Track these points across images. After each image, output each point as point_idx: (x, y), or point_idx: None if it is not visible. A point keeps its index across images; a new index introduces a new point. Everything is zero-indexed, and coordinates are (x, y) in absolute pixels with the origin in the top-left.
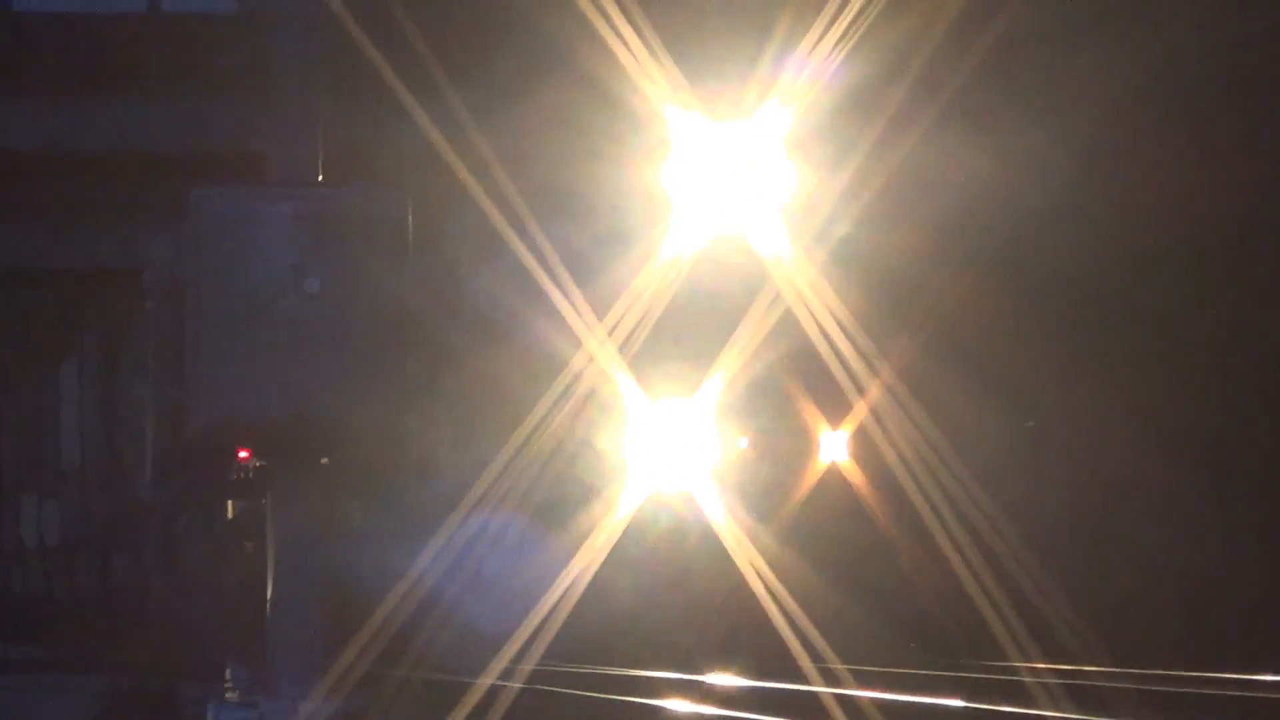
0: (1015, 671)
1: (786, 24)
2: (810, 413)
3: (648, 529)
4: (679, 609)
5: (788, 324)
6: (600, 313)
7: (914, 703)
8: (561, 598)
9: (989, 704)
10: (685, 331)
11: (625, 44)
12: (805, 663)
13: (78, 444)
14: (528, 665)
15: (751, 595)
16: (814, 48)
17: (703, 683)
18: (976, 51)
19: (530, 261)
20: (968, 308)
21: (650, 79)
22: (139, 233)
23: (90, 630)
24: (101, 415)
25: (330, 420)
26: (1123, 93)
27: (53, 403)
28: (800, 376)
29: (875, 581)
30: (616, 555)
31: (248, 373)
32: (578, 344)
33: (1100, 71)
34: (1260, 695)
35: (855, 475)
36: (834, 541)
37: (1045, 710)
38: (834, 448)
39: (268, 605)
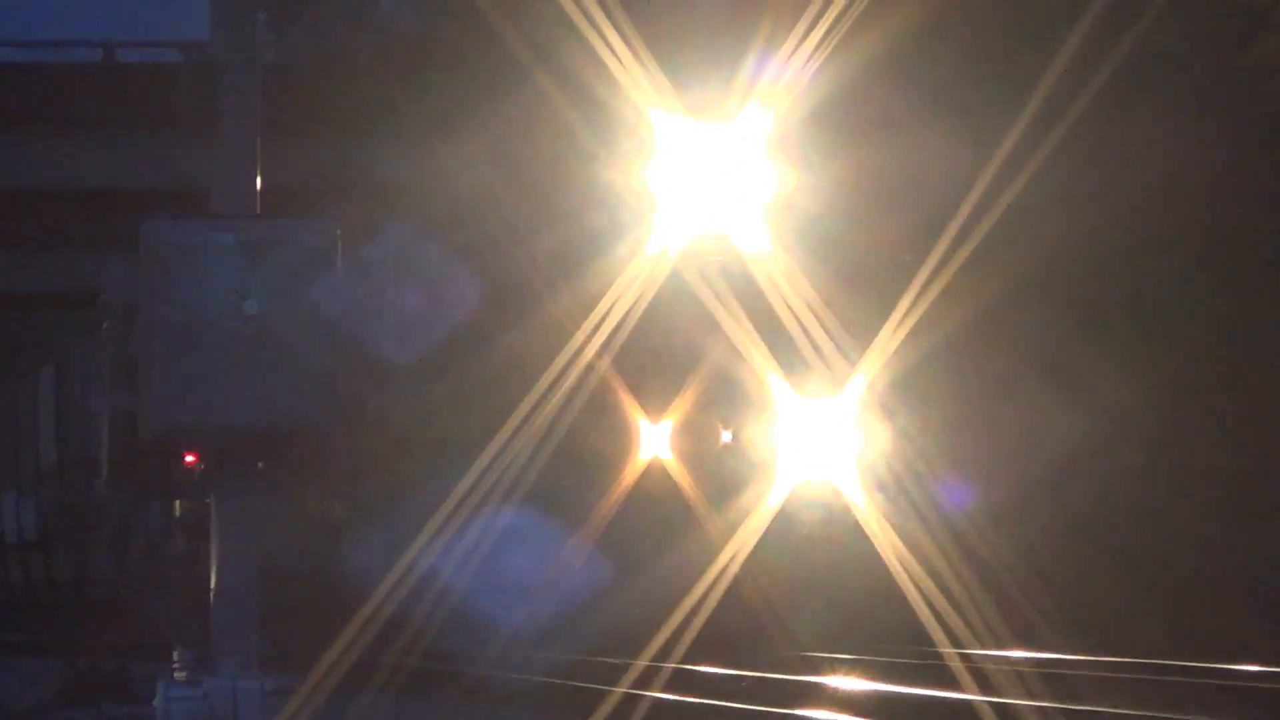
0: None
1: (766, 31)
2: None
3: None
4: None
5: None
6: (588, 306)
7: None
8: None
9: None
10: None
11: (612, 50)
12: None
13: (54, 445)
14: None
15: None
16: (792, 54)
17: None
18: (955, 52)
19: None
20: (950, 303)
21: (636, 83)
22: (97, 260)
23: (63, 617)
24: (77, 419)
25: (267, 428)
26: (1102, 90)
27: (31, 407)
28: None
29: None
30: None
31: (193, 385)
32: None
33: (1079, 69)
34: (1242, 684)
35: None
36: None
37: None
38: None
39: (211, 594)
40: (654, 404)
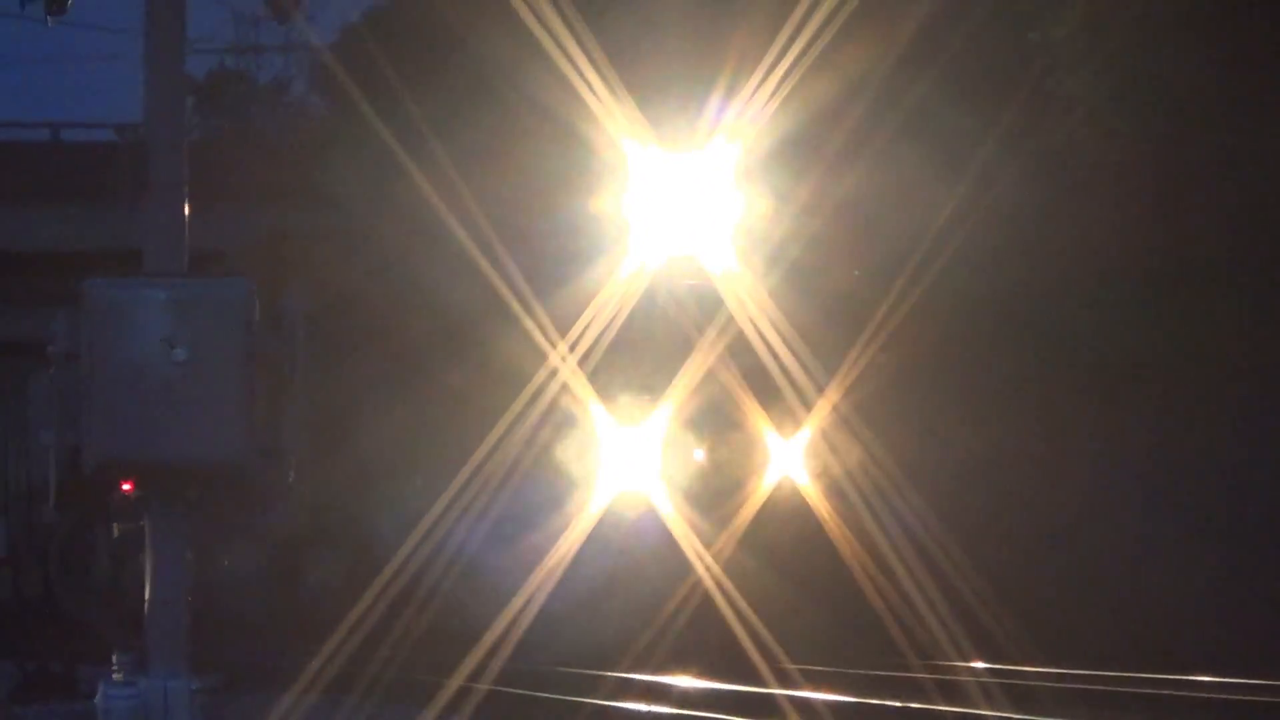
0: (956, 672)
1: (734, 66)
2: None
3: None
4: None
5: (741, 343)
6: (564, 326)
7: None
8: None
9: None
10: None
11: (590, 86)
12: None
13: (25, 470)
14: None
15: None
16: (757, 87)
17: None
18: (921, 83)
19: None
20: (914, 327)
21: (612, 117)
22: (47, 313)
23: (17, 625)
24: (39, 452)
25: (192, 460)
26: (1066, 121)
27: (4, 436)
28: (754, 392)
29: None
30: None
31: (128, 422)
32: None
33: (1043, 106)
34: (1198, 695)
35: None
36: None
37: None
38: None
39: (146, 604)
40: (629, 421)
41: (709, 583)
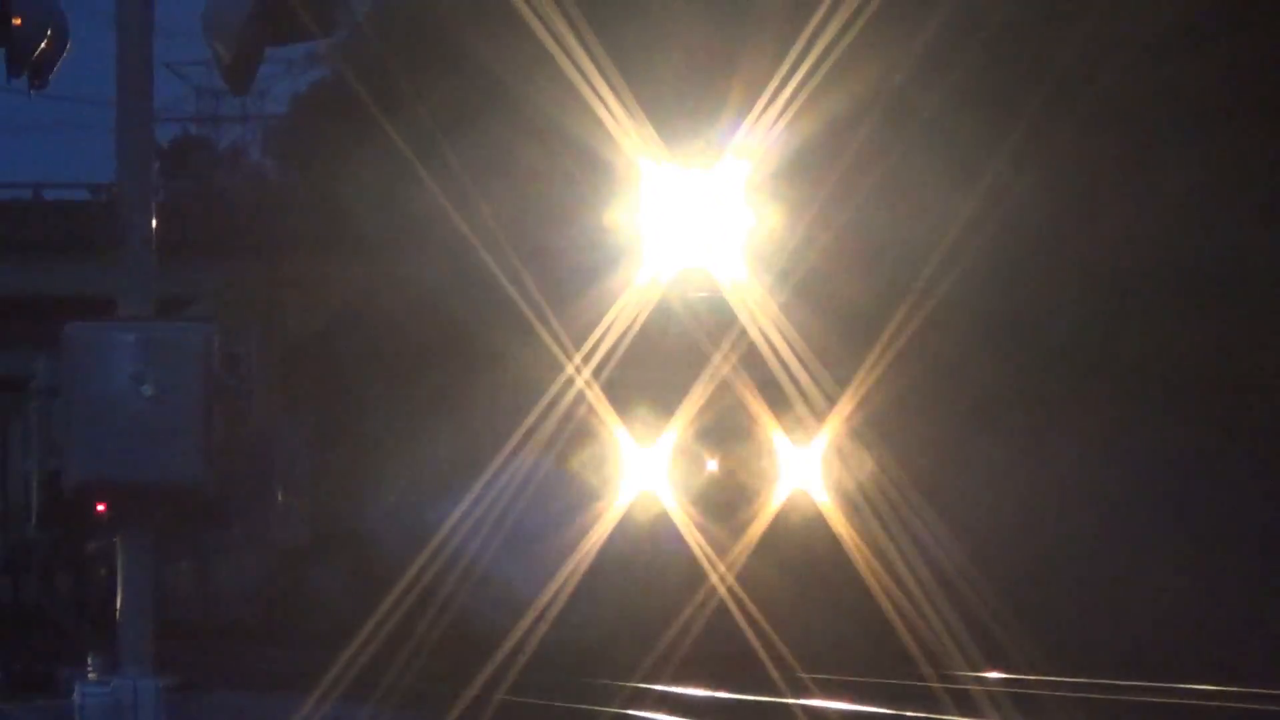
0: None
1: (745, 84)
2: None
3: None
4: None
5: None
6: (579, 338)
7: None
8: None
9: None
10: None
11: (604, 102)
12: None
13: (19, 489)
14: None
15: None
16: (769, 104)
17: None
18: (932, 97)
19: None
20: (928, 339)
21: (625, 133)
22: (29, 353)
23: (21, 630)
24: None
25: (157, 484)
26: (1061, 141)
27: (1, 457)
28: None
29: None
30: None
31: (103, 450)
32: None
33: (1045, 123)
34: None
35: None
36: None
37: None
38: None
39: (117, 611)
40: (644, 431)
41: (723, 591)
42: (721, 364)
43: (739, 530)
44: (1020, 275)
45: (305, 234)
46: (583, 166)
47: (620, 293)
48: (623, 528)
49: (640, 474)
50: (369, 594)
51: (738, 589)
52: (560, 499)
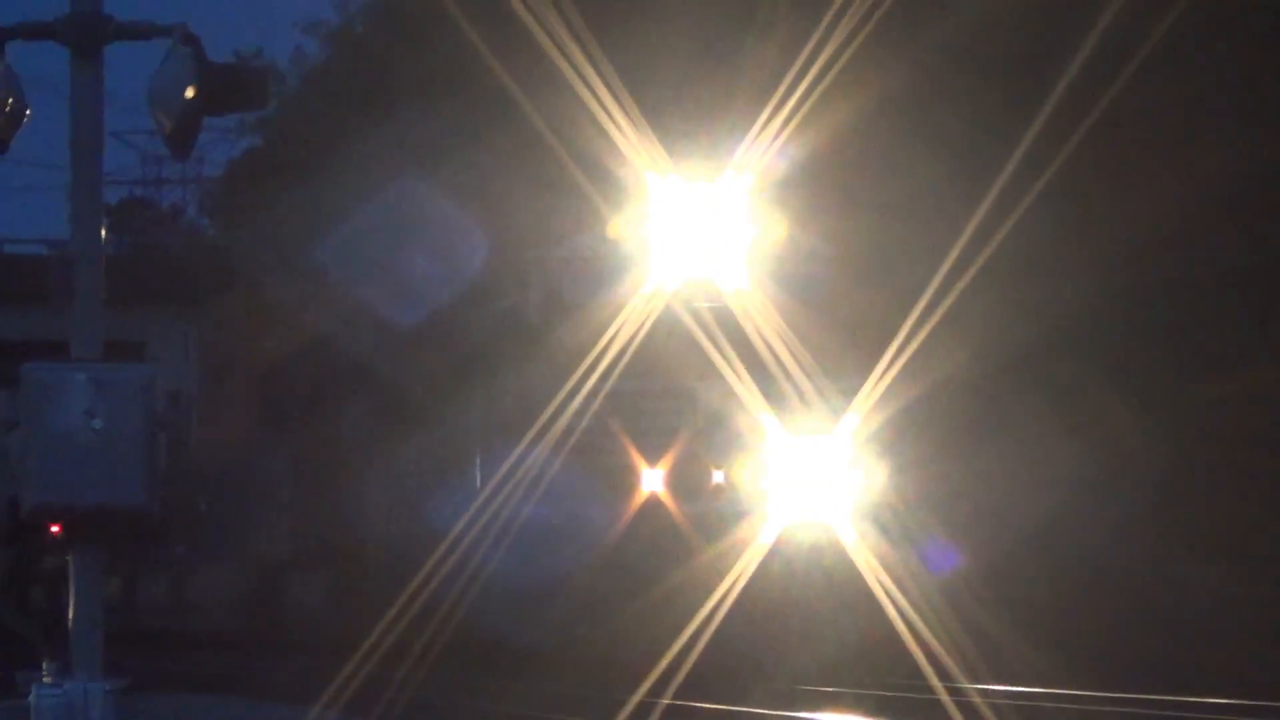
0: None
1: (752, 91)
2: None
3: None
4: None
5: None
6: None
7: None
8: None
9: None
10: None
11: (611, 117)
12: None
13: None
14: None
15: None
16: (764, 126)
17: None
18: (940, 104)
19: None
20: (937, 350)
21: (628, 141)
22: None
23: None
24: None
25: (105, 507)
26: (1055, 153)
27: None
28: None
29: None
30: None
31: (58, 477)
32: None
33: (1065, 126)
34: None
35: None
36: None
37: None
38: None
39: (70, 621)
40: (649, 445)
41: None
42: (728, 373)
43: (744, 542)
44: (1034, 284)
45: (248, 278)
46: (587, 177)
47: (624, 303)
48: (628, 538)
49: (644, 484)
50: (348, 604)
51: (745, 601)
52: (556, 508)
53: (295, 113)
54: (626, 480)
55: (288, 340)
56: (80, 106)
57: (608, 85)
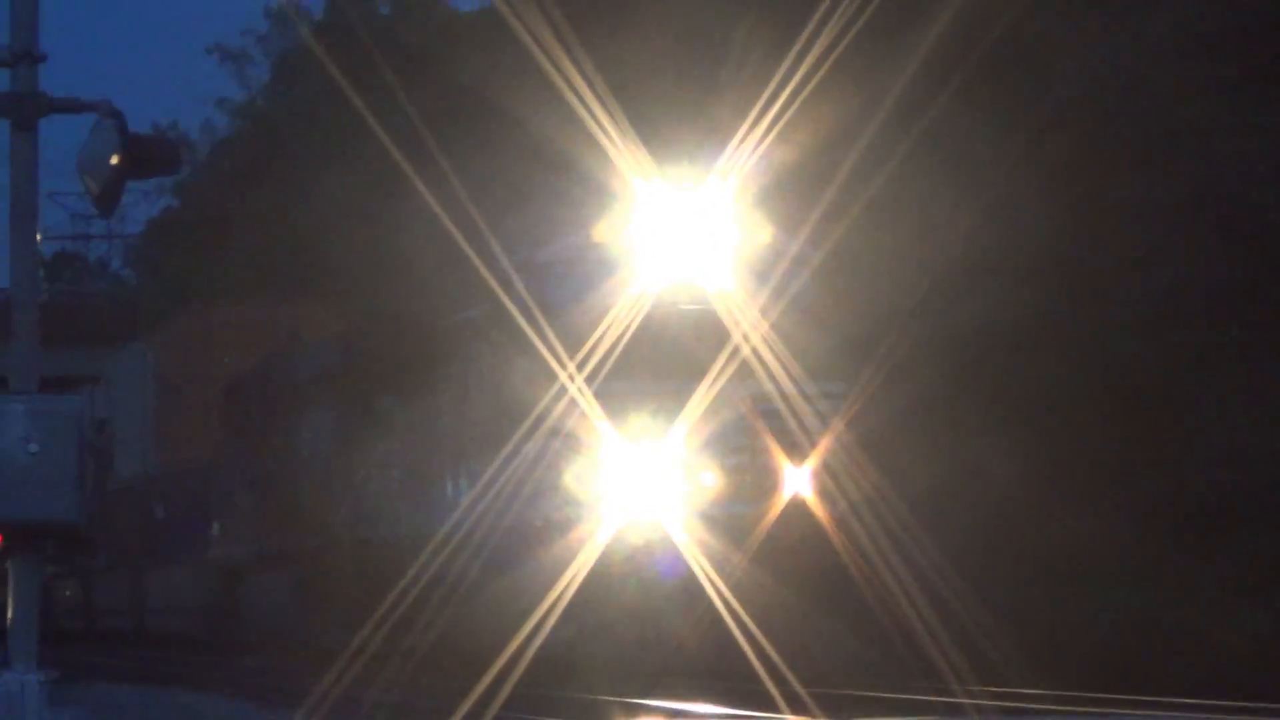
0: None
1: (728, 117)
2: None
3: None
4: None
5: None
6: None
7: None
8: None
9: None
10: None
11: (591, 113)
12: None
13: None
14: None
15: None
16: (747, 133)
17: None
18: (933, 105)
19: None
20: (926, 353)
21: (615, 145)
22: None
23: None
24: None
25: (43, 520)
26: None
27: None
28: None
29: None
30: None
31: None
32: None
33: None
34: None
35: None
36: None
37: None
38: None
39: (8, 619)
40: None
41: (719, 606)
42: (717, 376)
43: (736, 543)
44: (1026, 286)
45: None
46: (571, 180)
47: (609, 305)
48: (614, 542)
49: (631, 487)
50: (308, 607)
51: (736, 605)
52: (535, 511)
53: (206, 177)
54: None
55: (240, 357)
56: (18, 171)
57: (591, 86)
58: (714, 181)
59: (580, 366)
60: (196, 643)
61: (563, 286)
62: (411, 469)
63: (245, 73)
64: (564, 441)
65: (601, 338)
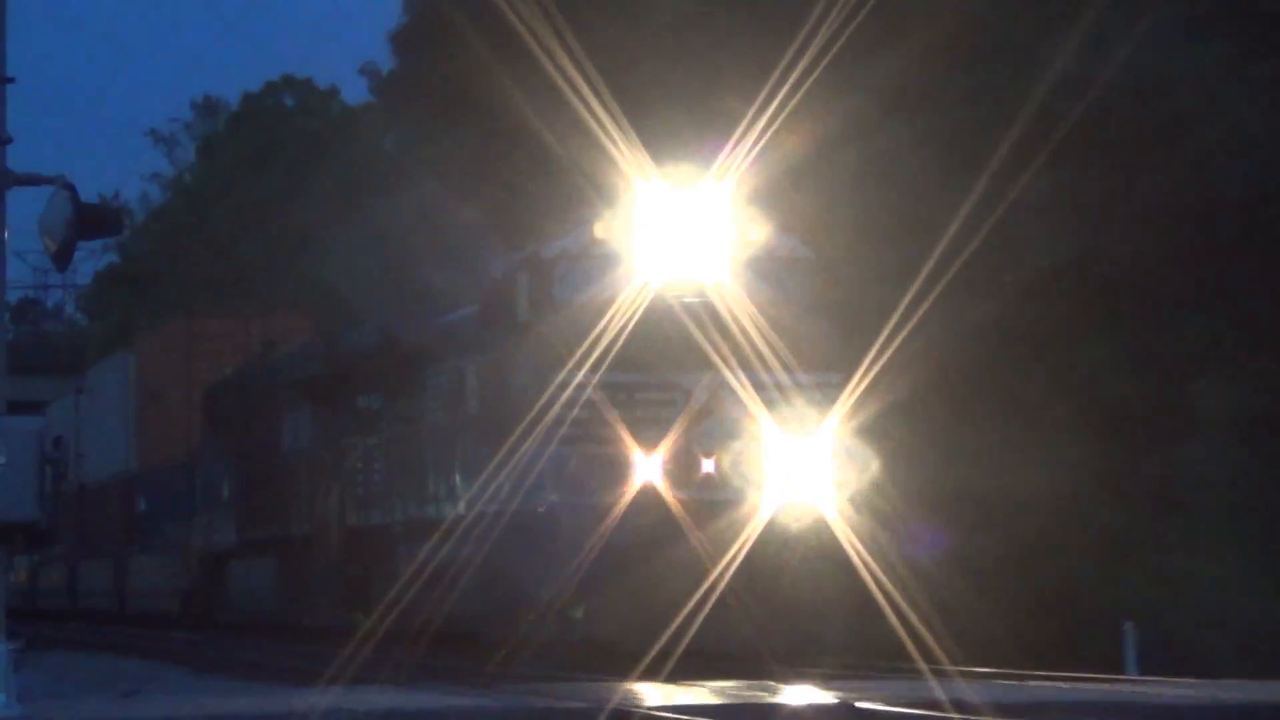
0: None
1: (727, 117)
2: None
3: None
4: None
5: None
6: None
7: None
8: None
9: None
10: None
11: (595, 117)
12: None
13: None
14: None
15: None
16: (743, 133)
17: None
18: (929, 101)
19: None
20: (922, 350)
21: (623, 157)
22: None
23: None
24: None
25: (10, 518)
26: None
27: None
28: None
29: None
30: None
31: None
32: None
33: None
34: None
35: None
36: None
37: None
38: None
39: None
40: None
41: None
42: (717, 365)
43: (736, 530)
44: (1020, 284)
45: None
46: (571, 177)
47: (610, 299)
48: (620, 529)
49: (636, 474)
50: (289, 592)
51: (737, 589)
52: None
53: (143, 237)
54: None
55: (217, 363)
56: None
57: (590, 83)
58: (713, 180)
59: (583, 360)
60: (171, 623)
61: (565, 283)
62: (403, 460)
63: (174, 153)
64: (569, 432)
65: (604, 330)
